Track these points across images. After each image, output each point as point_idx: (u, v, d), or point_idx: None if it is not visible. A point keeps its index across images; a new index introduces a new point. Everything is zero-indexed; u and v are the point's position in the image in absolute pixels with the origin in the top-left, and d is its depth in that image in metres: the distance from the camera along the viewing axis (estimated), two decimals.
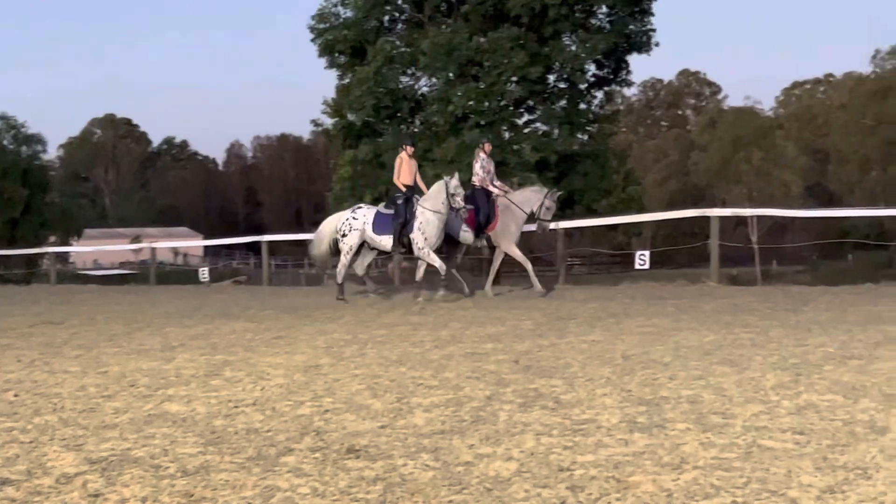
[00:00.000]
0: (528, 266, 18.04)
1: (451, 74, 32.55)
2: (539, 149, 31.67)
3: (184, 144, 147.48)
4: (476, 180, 18.35)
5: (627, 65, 35.27)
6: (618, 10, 33.70)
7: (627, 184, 34.28)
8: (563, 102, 34.18)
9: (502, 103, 32.13)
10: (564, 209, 32.43)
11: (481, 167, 18.46)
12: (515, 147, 31.95)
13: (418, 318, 13.17)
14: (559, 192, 19.24)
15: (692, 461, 5.29)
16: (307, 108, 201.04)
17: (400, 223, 17.46)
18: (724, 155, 72.68)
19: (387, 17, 35.34)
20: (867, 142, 67.37)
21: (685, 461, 5.29)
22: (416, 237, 17.30)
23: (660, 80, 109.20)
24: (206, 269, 31.80)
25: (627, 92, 71.38)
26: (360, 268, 18.40)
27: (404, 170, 17.93)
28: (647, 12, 34.35)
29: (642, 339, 10.12)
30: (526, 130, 33.94)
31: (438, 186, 17.26)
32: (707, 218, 21.30)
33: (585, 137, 34.43)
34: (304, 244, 27.73)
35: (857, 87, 71.82)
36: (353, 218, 18.06)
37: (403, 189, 17.74)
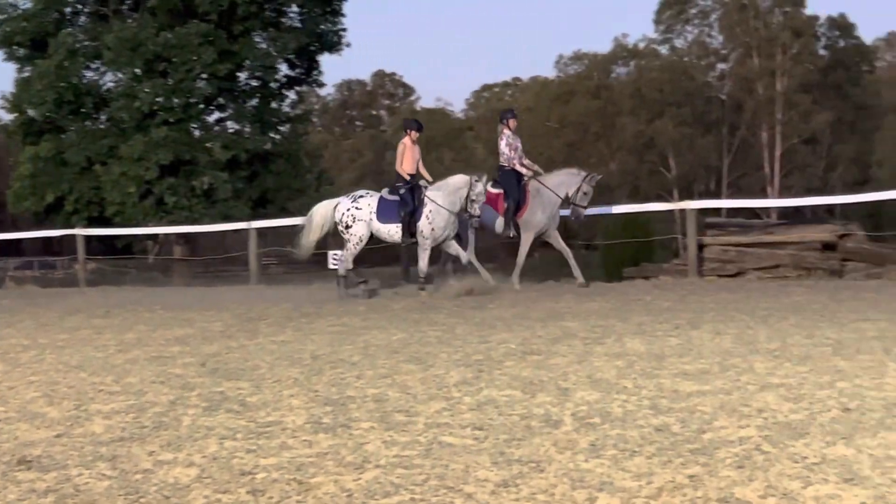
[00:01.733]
0: (521, 261, 16.97)
1: (137, 70, 31.75)
2: (230, 147, 31.36)
3: None
4: (503, 160, 17.01)
5: (319, 65, 35.43)
6: (309, 9, 33.78)
7: (321, 183, 34.44)
8: (254, 101, 34.00)
9: (191, 100, 31.61)
10: (257, 208, 32.30)
11: (507, 145, 17.02)
12: (207, 145, 31.50)
13: (103, 321, 12.72)
14: (599, 177, 17.73)
15: (374, 460, 5.31)
16: None
17: (408, 212, 16.24)
18: None
19: (69, 10, 34.10)
20: (552, 143, 70.05)
21: (367, 460, 5.31)
22: (423, 226, 16.15)
23: (355, 81, 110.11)
24: None
25: (323, 92, 71.80)
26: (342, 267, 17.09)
27: (407, 157, 16.69)
28: (338, 13, 34.65)
29: (332, 339, 10.13)
30: (216, 128, 33.55)
31: (461, 182, 16.11)
32: None
33: (278, 137, 34.37)
34: None
35: (543, 90, 74.59)
36: (356, 207, 16.62)
37: (407, 178, 16.51)
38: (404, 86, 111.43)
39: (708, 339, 9.22)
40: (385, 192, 16.73)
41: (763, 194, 62.30)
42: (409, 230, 16.20)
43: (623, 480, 4.79)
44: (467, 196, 15.91)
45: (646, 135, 66.61)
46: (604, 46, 79.68)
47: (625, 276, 19.09)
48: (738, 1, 66.91)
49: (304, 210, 30.32)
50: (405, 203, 16.25)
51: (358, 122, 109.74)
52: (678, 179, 65.98)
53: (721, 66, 71.12)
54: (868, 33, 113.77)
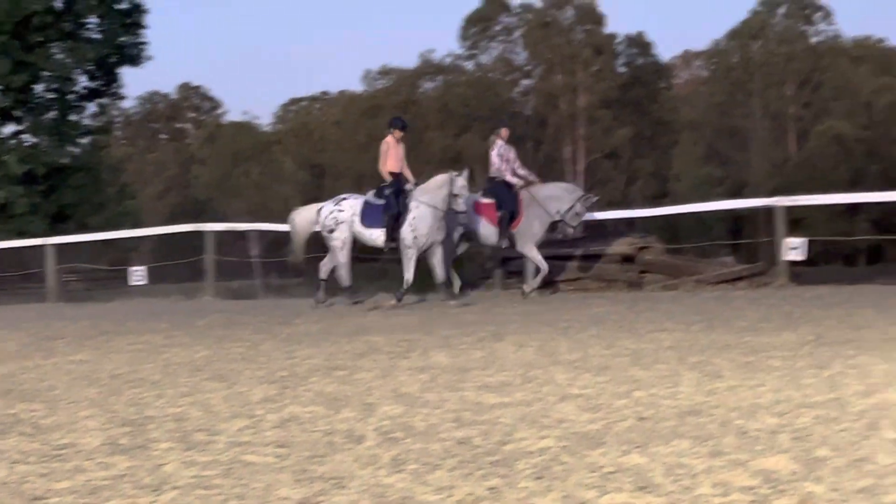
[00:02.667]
0: (544, 269, 16.46)
1: None
2: (26, 161, 30.40)
3: None
4: (493, 171, 16.53)
5: (119, 77, 34.72)
6: (109, 21, 33.07)
7: (123, 197, 33.72)
8: (52, 113, 33.06)
9: None
10: (55, 223, 31.34)
11: (498, 155, 16.53)
12: (2, 159, 30.46)
13: None
14: (595, 199, 17.35)
15: (172, 481, 5.19)
16: None
17: (392, 216, 15.68)
18: (224, 169, 73.18)
19: None
20: (360, 157, 70.09)
21: (165, 482, 5.19)
22: (405, 234, 15.60)
23: (160, 93, 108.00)
24: None
25: (126, 104, 70.21)
26: (324, 270, 16.49)
27: (391, 156, 16.06)
28: (139, 25, 34.00)
29: (132, 357, 9.92)
30: (12, 142, 32.47)
31: (442, 181, 15.63)
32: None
33: (77, 150, 33.50)
34: None
35: (351, 105, 74.62)
36: (339, 210, 16.05)
37: (390, 178, 15.94)
38: (210, 99, 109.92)
39: (511, 351, 9.37)
40: (370, 195, 16.29)
41: None
42: (392, 235, 15.76)
43: (424, 494, 4.80)
44: (449, 193, 15.54)
45: (453, 149, 67.30)
46: (410, 61, 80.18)
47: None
48: (541, 19, 68.36)
49: (105, 225, 29.71)
50: (389, 207, 15.79)
51: (162, 135, 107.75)
52: (483, 193, 66.83)
53: (525, 81, 72.50)
54: (665, 51, 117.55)
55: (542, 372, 8.05)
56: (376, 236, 15.94)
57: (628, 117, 69.19)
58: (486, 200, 16.55)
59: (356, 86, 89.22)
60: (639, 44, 72.76)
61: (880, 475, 4.75)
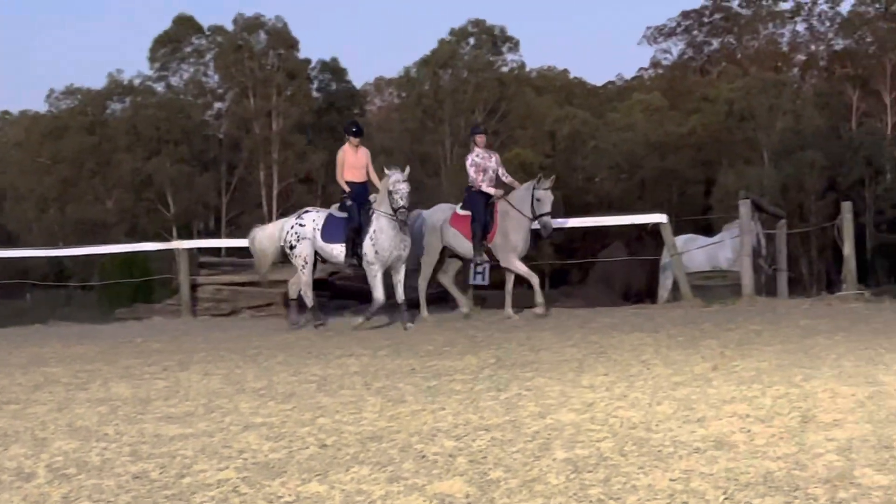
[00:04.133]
0: (535, 280, 15.30)
1: None
2: None
3: None
4: (469, 181, 15.31)
5: None
6: None
7: None
8: None
9: None
10: None
11: (472, 165, 15.29)
12: None
13: None
14: (548, 179, 15.63)
15: None
16: None
17: (353, 229, 14.35)
18: None
19: None
20: (44, 180, 67.47)
21: None
22: (367, 249, 14.29)
23: None
24: None
25: None
26: (293, 290, 15.23)
27: (348, 164, 14.80)
28: None
29: None
30: None
31: (384, 184, 14.28)
32: None
33: None
34: None
35: (33, 125, 71.63)
36: (300, 224, 14.84)
37: (348, 189, 14.64)
38: None
39: (196, 381, 9.20)
40: (334, 208, 15.17)
41: None
42: (354, 250, 14.59)
43: None
44: (388, 191, 14.34)
45: (143, 172, 65.76)
46: (98, 82, 77.86)
47: (117, 317, 18.62)
48: (233, 42, 67.82)
49: None
50: (351, 219, 14.65)
51: None
52: (177, 217, 65.60)
53: (218, 105, 71.67)
54: (358, 78, 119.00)
55: (226, 401, 7.94)
56: (337, 252, 14.87)
57: (323, 142, 69.43)
58: (462, 213, 15.61)
59: (39, 105, 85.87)
60: (333, 69, 73.32)
61: (550, 495, 4.91)
